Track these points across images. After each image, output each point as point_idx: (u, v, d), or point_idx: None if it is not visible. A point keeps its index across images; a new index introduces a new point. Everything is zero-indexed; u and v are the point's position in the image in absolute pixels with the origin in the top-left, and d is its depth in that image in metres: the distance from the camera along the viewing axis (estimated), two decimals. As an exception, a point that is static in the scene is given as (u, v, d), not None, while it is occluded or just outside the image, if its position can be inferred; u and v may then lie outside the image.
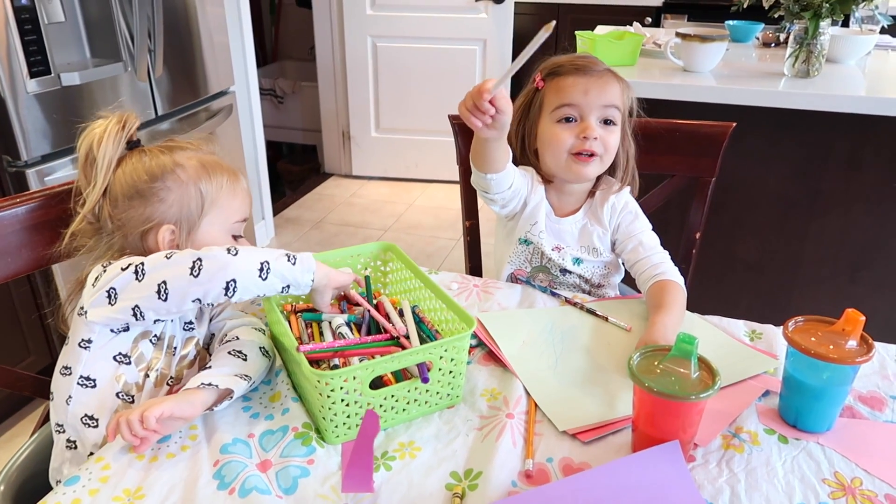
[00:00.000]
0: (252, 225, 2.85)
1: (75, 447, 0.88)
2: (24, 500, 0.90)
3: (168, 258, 0.81)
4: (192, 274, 0.79)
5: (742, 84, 1.71)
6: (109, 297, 0.81)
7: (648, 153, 1.31)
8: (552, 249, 1.21)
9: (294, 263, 0.85)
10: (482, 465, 0.78)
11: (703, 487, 0.75)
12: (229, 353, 0.89)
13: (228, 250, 0.82)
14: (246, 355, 0.89)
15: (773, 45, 2.28)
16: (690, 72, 1.84)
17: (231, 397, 0.86)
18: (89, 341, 0.86)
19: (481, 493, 0.74)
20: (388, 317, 0.96)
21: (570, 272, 1.24)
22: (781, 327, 1.01)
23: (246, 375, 0.87)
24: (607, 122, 1.14)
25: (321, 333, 0.94)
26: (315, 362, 0.85)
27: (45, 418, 0.99)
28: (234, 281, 0.81)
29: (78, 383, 0.87)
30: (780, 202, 1.90)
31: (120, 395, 0.88)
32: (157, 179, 0.89)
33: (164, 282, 0.79)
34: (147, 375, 0.89)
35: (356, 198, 3.59)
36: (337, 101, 3.73)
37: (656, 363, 0.78)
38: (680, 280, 1.11)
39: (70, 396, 0.87)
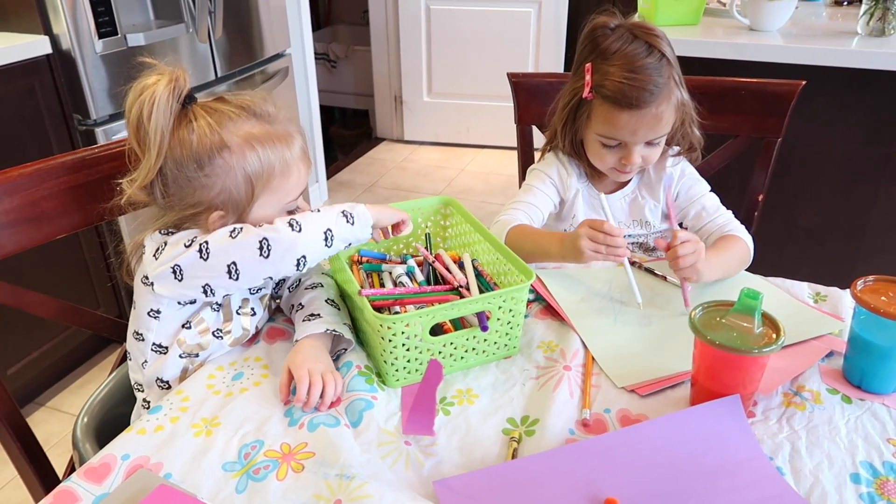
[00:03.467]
0: (307, 188, 2.89)
1: (150, 407, 0.93)
2: (104, 432, 0.96)
3: (233, 237, 0.80)
4: (262, 255, 0.79)
5: (811, 43, 1.65)
6: (175, 273, 0.80)
7: (710, 112, 1.27)
8: None
9: (353, 223, 0.85)
10: (539, 413, 0.79)
11: (763, 442, 0.75)
12: (326, 301, 0.92)
13: (291, 225, 0.81)
14: (339, 306, 0.93)
15: (845, 2, 2.17)
16: (757, 31, 1.77)
17: (345, 350, 0.89)
18: (158, 311, 0.87)
19: (538, 438, 0.76)
20: (447, 268, 0.97)
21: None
22: (847, 289, 0.99)
23: (346, 323, 0.90)
24: (653, 142, 1.10)
25: (381, 284, 0.96)
26: (376, 310, 0.87)
27: (123, 358, 1.04)
28: (303, 257, 0.81)
29: (152, 350, 0.90)
30: (847, 168, 1.83)
31: (182, 355, 0.90)
32: (203, 166, 0.82)
33: (234, 262, 0.79)
34: (220, 337, 0.90)
35: (408, 162, 3.61)
36: (389, 65, 3.72)
37: (719, 318, 0.77)
38: (747, 237, 1.11)
39: (146, 361, 0.91)
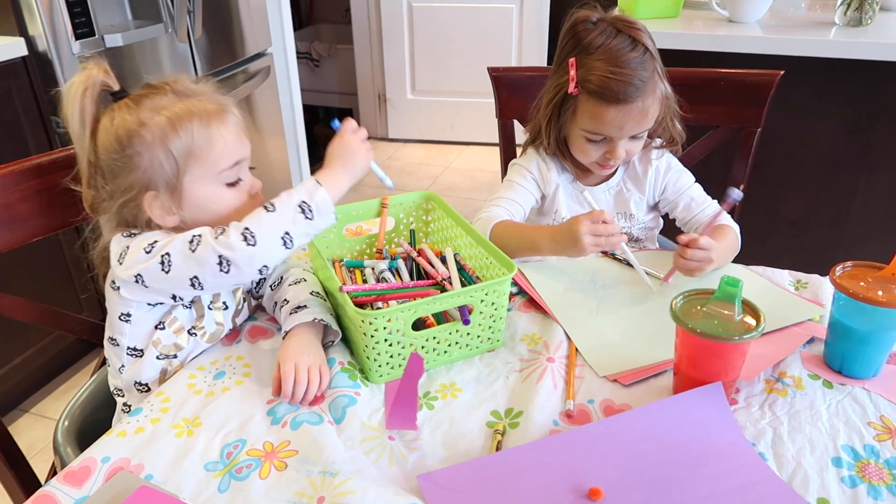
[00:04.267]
0: (290, 187, 2.88)
1: (130, 410, 0.92)
2: (86, 436, 0.95)
3: (193, 250, 0.79)
4: (222, 271, 0.79)
5: (790, 34, 1.66)
6: (138, 281, 0.81)
7: (690, 104, 1.27)
8: None
9: (312, 217, 0.81)
10: (523, 405, 0.79)
11: (746, 429, 0.75)
12: (311, 293, 0.91)
13: (246, 238, 0.78)
14: (324, 297, 0.93)
15: (823, -6, 2.19)
16: (736, 22, 1.78)
17: (333, 342, 0.89)
18: (129, 315, 0.87)
19: (523, 430, 0.76)
20: (430, 263, 0.97)
21: None
22: (827, 276, 1.00)
23: (332, 314, 0.90)
24: (637, 136, 1.10)
25: (364, 280, 0.96)
26: (359, 306, 0.87)
27: (103, 362, 1.03)
28: (265, 266, 0.81)
29: (127, 354, 0.89)
30: (828, 158, 1.84)
31: (160, 357, 0.89)
32: (124, 146, 0.81)
33: (196, 276, 0.79)
34: (195, 334, 0.90)
35: (392, 160, 3.60)
36: (373, 63, 3.71)
37: (699, 306, 0.78)
38: (735, 227, 1.12)
39: (122, 365, 0.90)
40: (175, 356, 0.89)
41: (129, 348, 0.89)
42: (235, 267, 0.79)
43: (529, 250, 1.06)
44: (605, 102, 1.04)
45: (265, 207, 0.81)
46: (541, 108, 1.15)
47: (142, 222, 0.86)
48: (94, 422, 0.97)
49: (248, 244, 0.78)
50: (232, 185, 0.87)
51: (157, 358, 0.89)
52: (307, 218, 0.81)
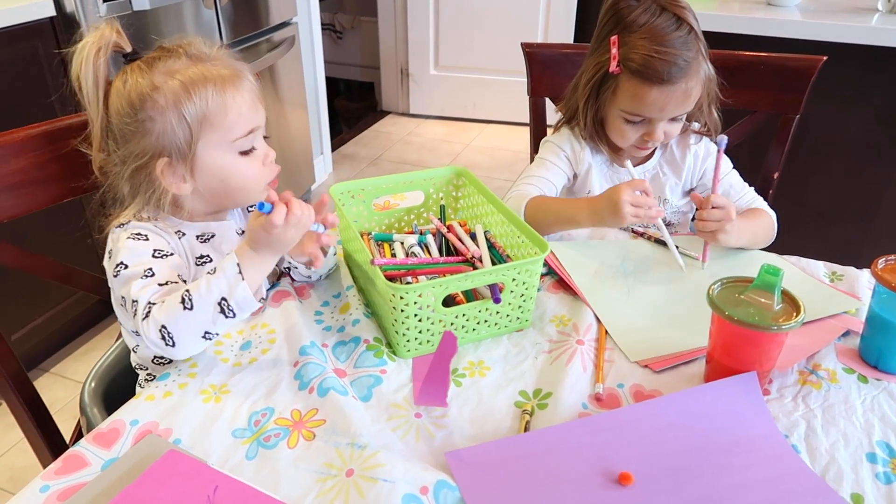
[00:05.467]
0: (311, 160, 2.87)
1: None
2: (112, 397, 0.95)
3: (145, 318, 0.76)
4: (167, 345, 0.76)
5: (831, 19, 1.61)
6: (124, 305, 0.80)
7: (728, 87, 1.25)
8: None
9: (234, 317, 0.76)
10: (552, 387, 0.78)
11: (778, 420, 0.74)
12: None
13: (164, 338, 0.75)
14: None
15: (864, -20, 2.13)
16: (774, 5, 1.74)
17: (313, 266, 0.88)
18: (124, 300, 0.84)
19: (551, 412, 0.75)
20: (460, 240, 0.96)
21: None
22: (864, 269, 0.98)
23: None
24: (676, 117, 1.08)
25: (393, 254, 0.95)
26: (388, 280, 0.86)
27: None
28: (207, 332, 0.77)
29: (135, 334, 0.88)
30: (861, 147, 1.80)
31: None
32: (137, 111, 0.80)
33: (164, 327, 0.75)
34: None
35: (413, 136, 3.57)
36: (396, 37, 3.67)
37: (737, 294, 0.76)
38: (772, 212, 1.11)
39: (137, 345, 0.91)
40: None
41: (133, 331, 0.88)
42: (179, 340, 0.76)
43: (567, 222, 1.05)
44: (648, 82, 1.01)
45: (182, 302, 0.75)
46: (578, 87, 1.13)
47: (155, 193, 0.84)
48: (120, 384, 0.97)
49: (167, 344, 0.75)
50: (245, 153, 0.85)
51: None
52: (227, 317, 0.76)
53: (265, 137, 0.89)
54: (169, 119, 0.80)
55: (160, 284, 0.79)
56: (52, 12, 1.65)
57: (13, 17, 1.57)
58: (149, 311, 0.76)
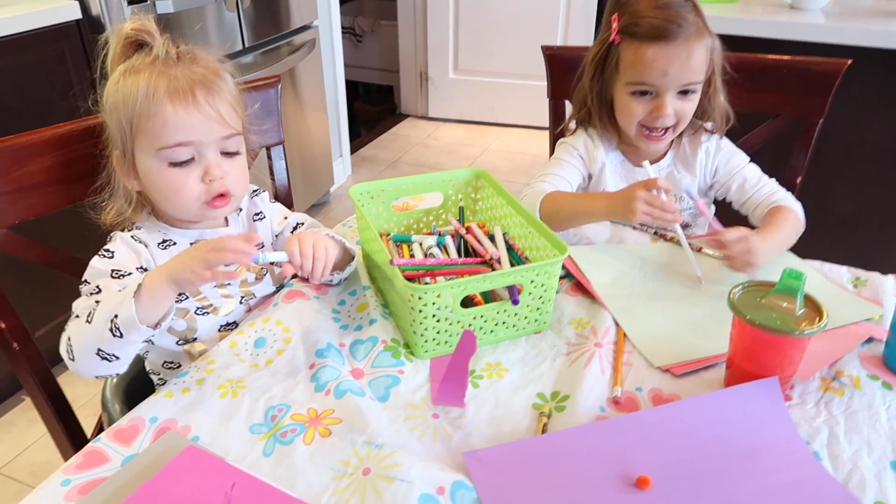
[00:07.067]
0: (330, 162, 2.88)
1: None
2: (133, 393, 0.96)
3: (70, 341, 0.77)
4: (69, 359, 0.77)
5: (855, 22, 1.59)
6: None
7: (751, 91, 1.24)
8: None
9: (122, 336, 0.74)
10: (570, 389, 0.78)
11: (800, 426, 0.73)
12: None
13: (68, 351, 0.76)
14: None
15: (890, -17, 2.10)
16: (798, 9, 1.72)
17: (342, 270, 0.90)
18: None
19: (569, 414, 0.75)
20: (479, 241, 0.96)
21: None
22: (888, 275, 0.97)
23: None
24: (686, 92, 1.07)
25: (411, 255, 0.95)
26: (407, 280, 0.86)
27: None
28: (98, 376, 0.78)
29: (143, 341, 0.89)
30: (886, 152, 1.78)
31: (179, 343, 0.90)
32: (106, 101, 0.85)
33: (69, 339, 0.78)
34: (205, 314, 0.90)
35: (432, 139, 3.58)
36: (416, 41, 3.68)
37: (759, 298, 0.75)
38: (796, 205, 1.09)
39: (147, 351, 0.92)
40: (195, 339, 0.90)
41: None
42: (78, 353, 0.76)
43: (585, 215, 1.05)
44: (647, 42, 1.02)
45: (88, 315, 0.76)
46: (585, 66, 1.14)
47: (119, 186, 0.88)
48: (141, 381, 0.98)
49: (69, 357, 0.76)
50: (177, 164, 0.83)
51: (177, 343, 0.90)
52: (115, 336, 0.73)
53: (230, 154, 0.86)
54: (115, 116, 0.83)
55: (97, 302, 0.78)
56: (78, 15, 1.68)
57: (41, 19, 1.60)
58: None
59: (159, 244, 0.89)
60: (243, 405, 0.74)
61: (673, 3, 1.02)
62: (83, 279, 0.83)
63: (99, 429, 1.04)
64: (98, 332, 0.74)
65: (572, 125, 1.24)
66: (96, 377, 0.79)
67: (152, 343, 0.90)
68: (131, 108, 0.81)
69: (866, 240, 1.91)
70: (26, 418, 1.74)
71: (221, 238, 0.74)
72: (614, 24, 1.06)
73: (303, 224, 0.99)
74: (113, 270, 0.83)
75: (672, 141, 1.17)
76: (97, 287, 0.81)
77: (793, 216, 1.06)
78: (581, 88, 1.16)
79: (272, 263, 0.89)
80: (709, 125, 1.15)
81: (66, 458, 0.97)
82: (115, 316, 0.73)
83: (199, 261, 0.72)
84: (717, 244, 0.96)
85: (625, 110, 1.10)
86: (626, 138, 1.15)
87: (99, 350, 0.75)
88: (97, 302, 0.77)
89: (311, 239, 0.82)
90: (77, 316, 0.78)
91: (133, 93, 0.80)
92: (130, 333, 0.73)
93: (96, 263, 0.84)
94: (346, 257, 0.93)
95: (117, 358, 0.76)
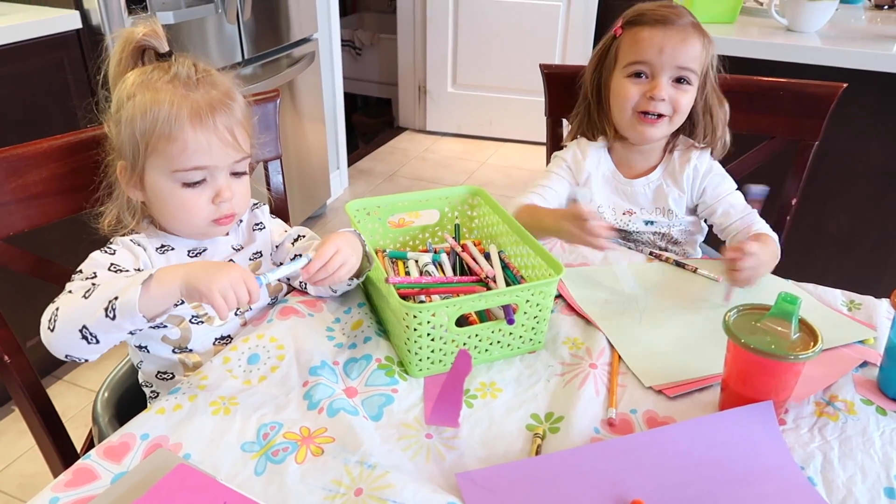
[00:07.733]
0: (328, 175, 2.88)
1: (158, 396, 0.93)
2: (124, 407, 0.96)
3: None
4: (48, 328, 0.76)
5: (851, 45, 1.61)
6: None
7: (747, 112, 1.25)
8: (623, 214, 1.20)
9: (114, 318, 0.73)
10: (564, 410, 0.78)
11: (794, 451, 0.73)
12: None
13: (50, 320, 0.76)
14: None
15: (886, 7, 2.12)
16: (794, 31, 1.73)
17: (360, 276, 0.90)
18: None
19: (563, 436, 0.74)
20: (474, 259, 0.96)
21: (642, 232, 1.22)
22: (883, 299, 0.97)
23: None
24: (681, 80, 1.10)
25: (407, 272, 0.95)
26: (402, 298, 0.86)
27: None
28: (69, 356, 0.77)
29: (138, 349, 0.90)
30: (881, 175, 1.79)
31: (175, 350, 0.90)
32: (118, 111, 0.83)
33: (57, 309, 0.77)
34: (200, 323, 0.89)
35: (429, 153, 3.59)
36: (415, 54, 3.70)
37: (754, 321, 0.75)
38: (775, 236, 1.10)
39: (141, 361, 0.92)
40: (189, 349, 0.89)
41: (134, 346, 0.90)
42: (60, 326, 0.75)
43: (540, 230, 1.05)
44: (645, 25, 1.09)
45: (86, 291, 0.75)
46: (587, 65, 1.20)
47: (122, 195, 0.88)
48: (133, 395, 0.97)
49: (49, 328, 0.75)
50: (190, 185, 0.84)
51: (174, 351, 0.90)
52: (107, 316, 0.73)
53: (237, 174, 0.87)
54: (129, 130, 0.82)
55: (94, 285, 0.77)
56: (78, 24, 1.68)
57: (41, 28, 1.60)
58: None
59: (157, 249, 0.89)
60: (235, 423, 0.74)
61: (671, 3, 1.11)
62: (78, 269, 0.82)
63: (89, 443, 1.03)
64: (91, 309, 0.73)
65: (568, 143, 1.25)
66: (66, 356, 0.77)
67: (147, 351, 0.90)
68: (150, 127, 0.80)
69: (861, 261, 1.92)
70: (15, 429, 1.73)
71: (248, 274, 0.75)
72: (618, 24, 1.13)
73: (304, 236, 0.99)
74: (112, 264, 0.83)
75: (663, 155, 1.18)
76: (94, 273, 0.81)
77: (773, 243, 1.07)
78: (581, 92, 1.21)
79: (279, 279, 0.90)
80: (700, 145, 1.17)
81: (54, 471, 0.96)
82: (115, 298, 0.73)
83: (225, 285, 0.73)
84: (738, 252, 0.96)
85: (620, 94, 1.12)
86: (620, 133, 1.17)
87: (84, 327, 0.74)
88: (94, 284, 0.76)
89: (345, 254, 0.82)
90: (71, 291, 0.77)
91: (153, 112, 0.80)
92: (124, 318, 0.73)
93: (97, 256, 0.84)
94: (365, 263, 0.91)
95: (97, 341, 0.75)
